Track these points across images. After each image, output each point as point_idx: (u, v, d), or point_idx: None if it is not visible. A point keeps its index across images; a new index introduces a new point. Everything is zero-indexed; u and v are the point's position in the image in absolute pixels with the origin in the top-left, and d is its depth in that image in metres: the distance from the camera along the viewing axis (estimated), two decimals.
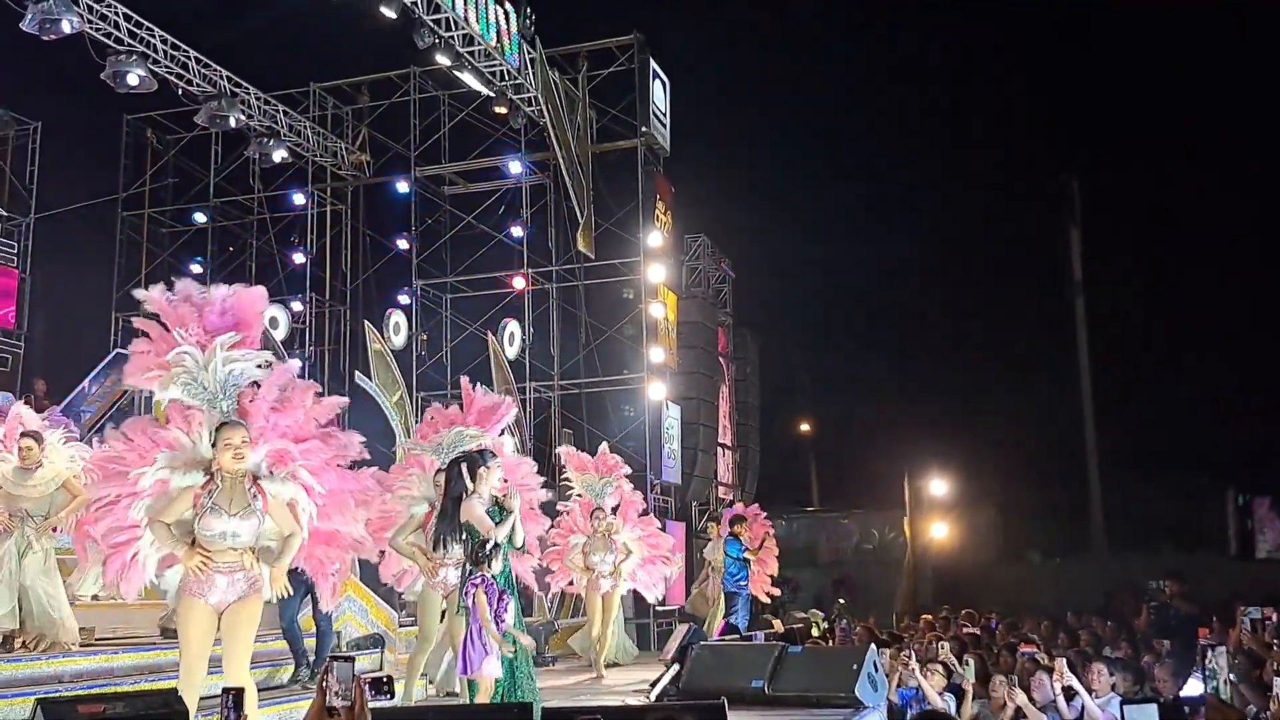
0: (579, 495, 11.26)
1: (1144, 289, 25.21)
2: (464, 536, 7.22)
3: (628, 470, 11.77)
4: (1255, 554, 14.17)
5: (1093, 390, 25.15)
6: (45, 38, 12.07)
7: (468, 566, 7.41)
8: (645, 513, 11.93)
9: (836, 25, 27.97)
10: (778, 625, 12.85)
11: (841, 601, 18.05)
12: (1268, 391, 22.52)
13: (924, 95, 28.03)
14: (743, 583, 13.14)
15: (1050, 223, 26.51)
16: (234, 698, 2.87)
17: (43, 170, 16.67)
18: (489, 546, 7.15)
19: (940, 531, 23.57)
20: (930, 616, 14.34)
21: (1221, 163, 24.91)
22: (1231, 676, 7.91)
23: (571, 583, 11.31)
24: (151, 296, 5.55)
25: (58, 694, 5.72)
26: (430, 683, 8.70)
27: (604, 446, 11.87)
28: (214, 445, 5.34)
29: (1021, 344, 25.82)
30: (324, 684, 2.67)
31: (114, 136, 18.77)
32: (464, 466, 7.31)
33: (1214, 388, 23.42)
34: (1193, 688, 7.36)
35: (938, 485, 23.67)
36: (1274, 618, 9.75)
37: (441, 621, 7.90)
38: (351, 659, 2.72)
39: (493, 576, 7.16)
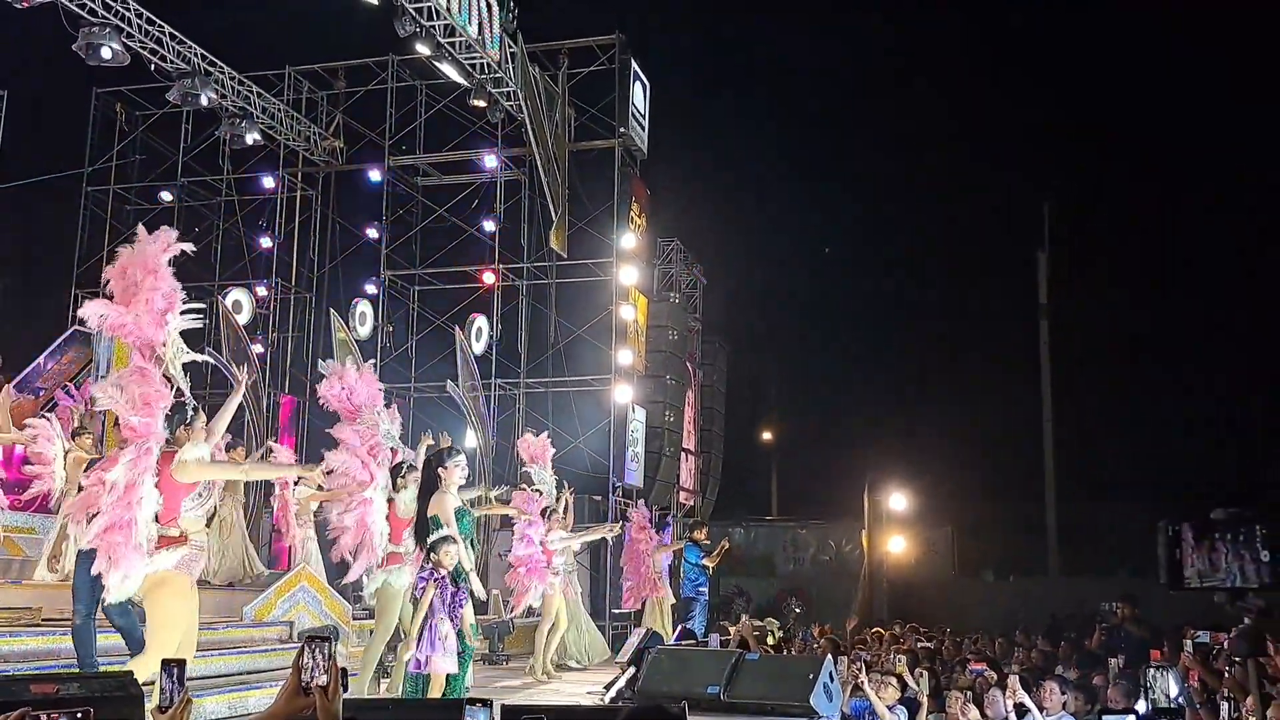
0: (536, 491, 11.10)
1: (1107, 314, 25.54)
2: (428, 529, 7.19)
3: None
4: (1184, 584, 14.30)
5: (1053, 413, 25.44)
6: (18, 5, 11.80)
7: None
8: None
9: (814, 41, 28.10)
10: (734, 632, 12.82)
11: (798, 611, 18.09)
12: (1227, 417, 22.88)
13: (898, 114, 28.21)
14: (702, 588, 13.13)
15: (1018, 246, 26.83)
16: (176, 671, 2.80)
17: (6, 141, 16.33)
18: (438, 539, 7.10)
19: (897, 546, 23.68)
20: (882, 630, 14.39)
21: (1188, 191, 25.31)
22: (1180, 699, 8.00)
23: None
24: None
25: (7, 674, 5.57)
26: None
27: (544, 435, 11.70)
28: (189, 425, 5.60)
29: (985, 364, 26.07)
30: (299, 663, 2.61)
31: (82, 110, 18.49)
32: (431, 463, 7.30)
33: (1172, 413, 23.76)
34: (1144, 708, 7.44)
35: (897, 500, 23.79)
36: (1224, 642, 9.86)
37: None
38: (329, 637, 2.67)
39: (445, 573, 7.11)
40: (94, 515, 5.29)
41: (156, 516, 5.43)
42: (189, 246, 5.85)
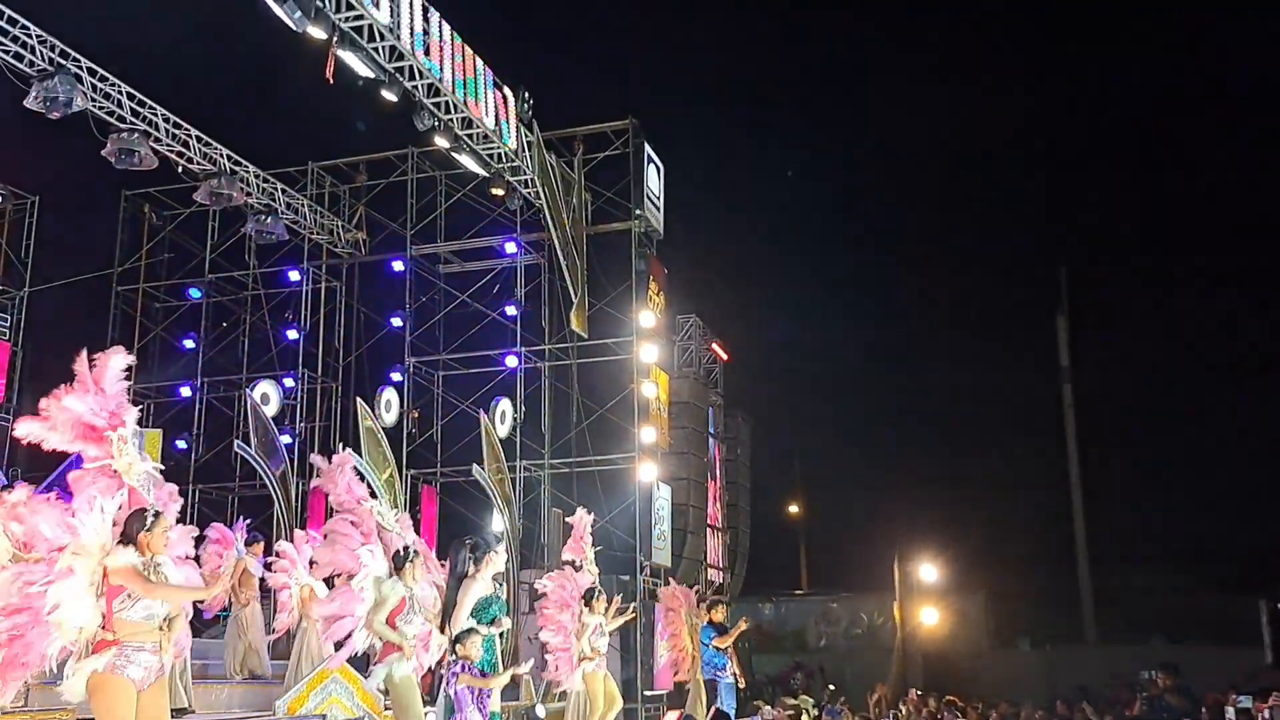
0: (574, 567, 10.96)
1: (1129, 376, 25.46)
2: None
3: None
4: None
5: (1081, 477, 25.23)
6: (51, 115, 12.20)
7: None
8: None
9: (828, 115, 28.58)
10: (766, 712, 12.65)
11: (831, 688, 17.83)
12: (1256, 481, 22.59)
13: (915, 184, 28.54)
14: (721, 671, 12.77)
15: (1036, 311, 26.90)
16: None
17: (38, 244, 16.77)
18: (462, 632, 7.12)
19: (930, 617, 23.37)
20: (916, 702, 14.17)
21: (1207, 251, 25.37)
22: None
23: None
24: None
25: None
26: None
27: (580, 512, 11.40)
28: (149, 530, 5.64)
29: (1011, 430, 25.96)
30: None
31: (111, 212, 18.91)
32: (469, 548, 7.26)
33: (1201, 475, 23.52)
34: None
35: (927, 570, 23.54)
36: (1264, 712, 9.66)
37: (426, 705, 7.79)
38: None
39: (474, 664, 7.11)
40: None
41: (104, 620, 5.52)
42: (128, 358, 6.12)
